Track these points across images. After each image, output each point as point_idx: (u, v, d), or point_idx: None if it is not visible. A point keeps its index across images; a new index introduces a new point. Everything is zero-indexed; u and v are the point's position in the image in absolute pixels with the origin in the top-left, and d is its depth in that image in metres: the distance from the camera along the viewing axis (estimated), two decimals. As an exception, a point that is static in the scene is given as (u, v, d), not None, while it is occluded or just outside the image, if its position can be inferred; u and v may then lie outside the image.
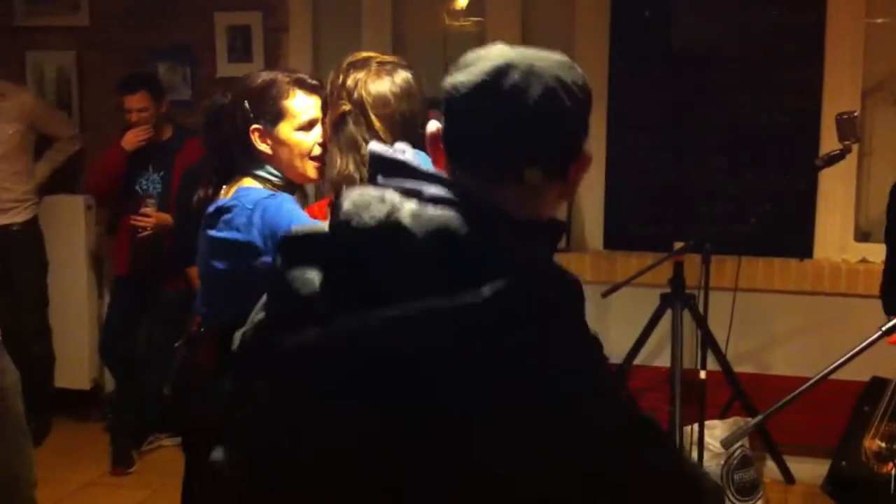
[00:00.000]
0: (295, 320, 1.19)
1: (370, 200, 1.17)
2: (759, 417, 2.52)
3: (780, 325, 4.16)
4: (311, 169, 2.27)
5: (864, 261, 4.16)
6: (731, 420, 3.78)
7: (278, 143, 2.24)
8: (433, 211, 1.15)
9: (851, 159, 4.05)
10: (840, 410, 3.69)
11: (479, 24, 4.64)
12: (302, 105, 2.25)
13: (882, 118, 4.35)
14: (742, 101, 4.32)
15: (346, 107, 2.11)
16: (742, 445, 3.69)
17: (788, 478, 3.95)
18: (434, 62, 4.28)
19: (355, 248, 1.16)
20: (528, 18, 4.53)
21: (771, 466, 4.01)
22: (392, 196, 1.18)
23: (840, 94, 4.17)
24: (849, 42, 4.21)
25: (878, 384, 3.37)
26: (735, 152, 4.31)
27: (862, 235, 4.27)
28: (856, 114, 3.32)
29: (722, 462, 3.62)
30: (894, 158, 4.27)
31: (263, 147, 2.24)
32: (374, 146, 1.28)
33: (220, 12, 4.71)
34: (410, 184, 1.19)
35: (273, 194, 2.18)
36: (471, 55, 1.24)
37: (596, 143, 4.43)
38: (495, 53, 1.23)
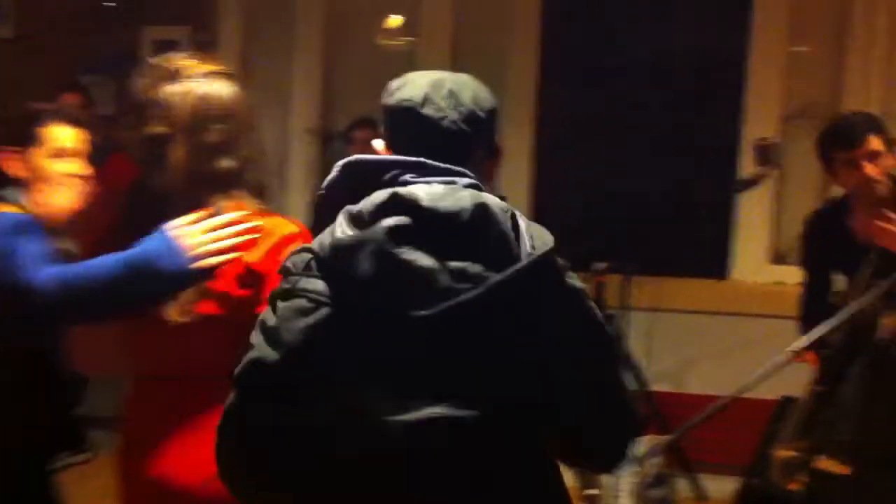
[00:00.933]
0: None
1: (444, 191, 1.39)
2: (672, 436, 2.54)
3: (698, 344, 4.22)
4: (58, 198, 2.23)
5: (779, 283, 4.25)
6: (646, 438, 3.81)
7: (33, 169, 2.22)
8: (488, 196, 1.41)
9: (770, 183, 4.15)
10: (753, 429, 3.75)
11: (412, 43, 4.67)
12: (57, 135, 2.24)
13: (801, 144, 4.44)
14: (667, 123, 4.41)
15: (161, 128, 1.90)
16: (657, 463, 3.72)
17: (701, 495, 4.00)
18: (366, 80, 4.28)
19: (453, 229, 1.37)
20: (459, 40, 4.58)
21: (685, 484, 4.05)
22: (457, 187, 1.41)
23: (761, 119, 4.27)
24: (772, 69, 4.32)
25: (788, 403, 3.43)
26: (658, 174, 4.38)
27: (778, 258, 4.37)
28: (774, 141, 3.39)
29: (637, 480, 3.64)
30: (812, 184, 4.37)
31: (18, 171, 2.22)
32: (363, 157, 1.48)
33: (148, 26, 4.66)
34: (443, 177, 1.43)
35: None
36: (402, 80, 1.53)
37: (523, 164, 4.48)
38: (426, 78, 1.53)
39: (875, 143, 2.87)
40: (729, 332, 4.18)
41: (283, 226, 1.89)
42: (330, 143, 4.59)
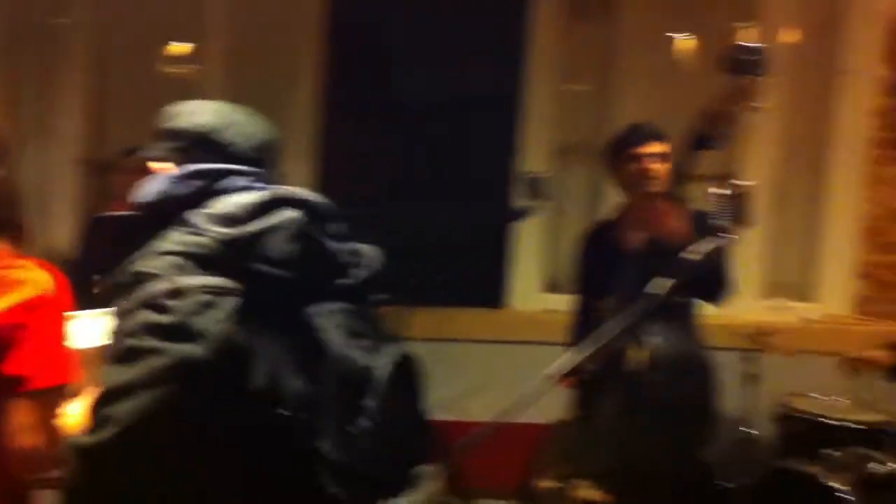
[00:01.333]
0: None
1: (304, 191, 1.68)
2: (441, 464, 2.56)
3: (478, 372, 4.30)
4: None
5: (553, 311, 4.40)
6: (425, 468, 3.83)
7: None
8: None
9: (543, 215, 4.32)
10: (526, 452, 3.86)
11: (192, 71, 4.57)
12: None
13: (573, 177, 4.66)
14: (445, 157, 4.50)
15: None
16: (435, 491, 3.76)
17: (482, 521, 4.07)
18: (139, 109, 4.14)
19: None
20: (239, 70, 4.52)
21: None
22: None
23: (535, 153, 4.44)
24: (545, 105, 4.50)
25: (556, 427, 3.55)
26: (437, 206, 4.46)
27: (552, 287, 4.53)
28: (544, 175, 3.54)
29: (416, 509, 3.66)
30: (584, 215, 4.58)
31: None
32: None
33: None
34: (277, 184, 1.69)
35: None
36: (191, 105, 1.71)
37: (302, 195, 4.45)
38: (214, 106, 1.72)
39: (658, 147, 3.08)
40: (507, 358, 4.29)
41: (35, 280, 1.75)
42: (100, 173, 4.40)
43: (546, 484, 3.08)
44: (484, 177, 4.47)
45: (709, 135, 2.74)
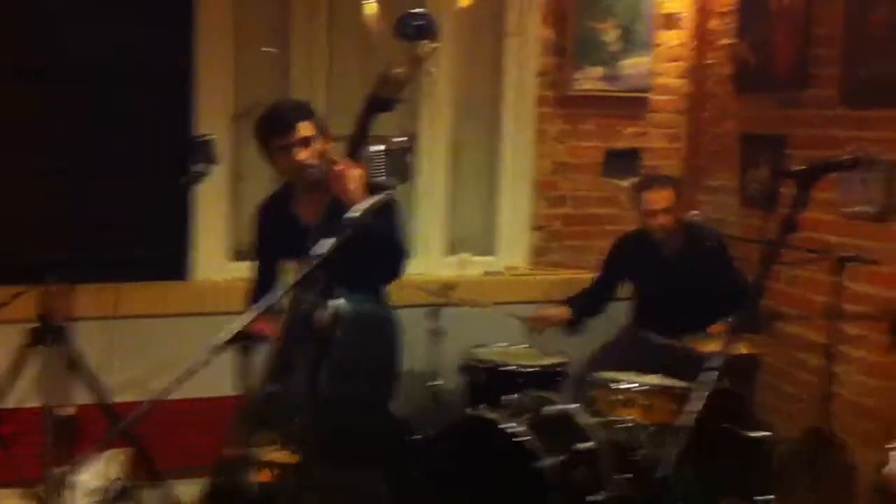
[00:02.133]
0: None
1: None
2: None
3: (164, 348, 4.12)
4: None
5: (240, 279, 4.30)
6: (109, 453, 3.65)
7: None
8: None
9: (225, 182, 4.19)
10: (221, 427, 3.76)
11: None
12: None
13: (252, 142, 4.55)
14: (112, 124, 4.24)
15: None
16: (119, 477, 3.59)
17: (171, 502, 3.92)
18: None
19: None
20: None
21: (154, 493, 3.95)
22: None
23: (211, 118, 4.30)
24: (219, 70, 4.35)
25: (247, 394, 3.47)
26: (108, 176, 4.21)
27: (238, 255, 4.43)
28: (212, 137, 3.41)
29: (99, 497, 3.48)
30: (266, 180, 4.49)
31: None
32: None
33: None
34: None
35: None
36: None
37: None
38: None
39: (306, 128, 3.02)
40: (194, 332, 4.13)
41: None
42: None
43: (233, 452, 3.01)
44: (159, 145, 4.27)
45: (385, 97, 2.76)
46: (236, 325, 2.19)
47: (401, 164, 2.39)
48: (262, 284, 3.33)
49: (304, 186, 3.13)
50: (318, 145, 3.05)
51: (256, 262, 3.45)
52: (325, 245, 2.27)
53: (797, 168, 1.98)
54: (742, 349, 3.57)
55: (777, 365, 4.54)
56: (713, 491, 3.59)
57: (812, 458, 3.72)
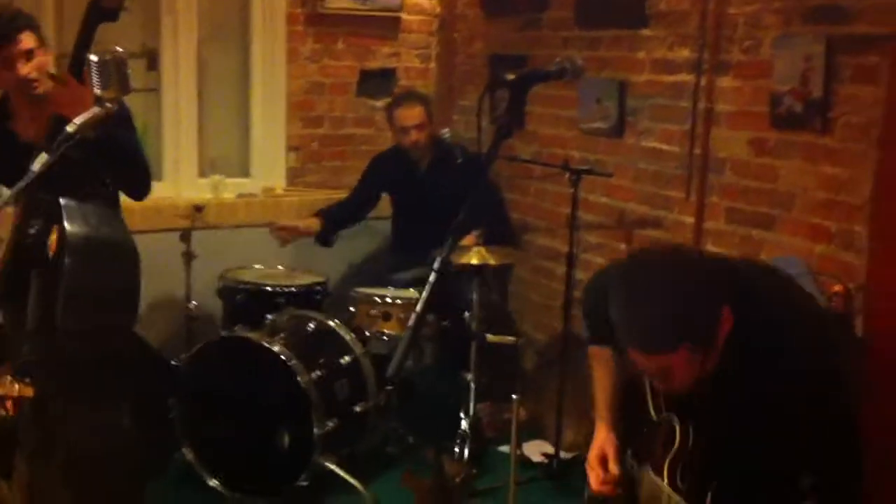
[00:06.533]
0: None
1: None
2: None
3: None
4: None
5: None
6: None
7: None
8: None
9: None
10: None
11: None
12: None
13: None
14: None
15: None
16: None
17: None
18: None
19: None
20: None
21: None
22: None
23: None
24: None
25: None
26: None
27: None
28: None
29: None
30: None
31: None
32: None
33: None
34: None
35: None
36: None
37: None
38: None
39: (29, 40, 2.81)
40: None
41: None
42: None
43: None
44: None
45: (107, 6, 2.62)
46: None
47: (120, 75, 2.29)
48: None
49: (24, 102, 2.92)
50: (40, 58, 2.85)
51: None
52: (39, 162, 2.16)
53: (508, 77, 2.02)
54: (493, 260, 3.72)
55: (525, 275, 4.79)
56: (465, 395, 3.78)
57: (557, 361, 3.97)
